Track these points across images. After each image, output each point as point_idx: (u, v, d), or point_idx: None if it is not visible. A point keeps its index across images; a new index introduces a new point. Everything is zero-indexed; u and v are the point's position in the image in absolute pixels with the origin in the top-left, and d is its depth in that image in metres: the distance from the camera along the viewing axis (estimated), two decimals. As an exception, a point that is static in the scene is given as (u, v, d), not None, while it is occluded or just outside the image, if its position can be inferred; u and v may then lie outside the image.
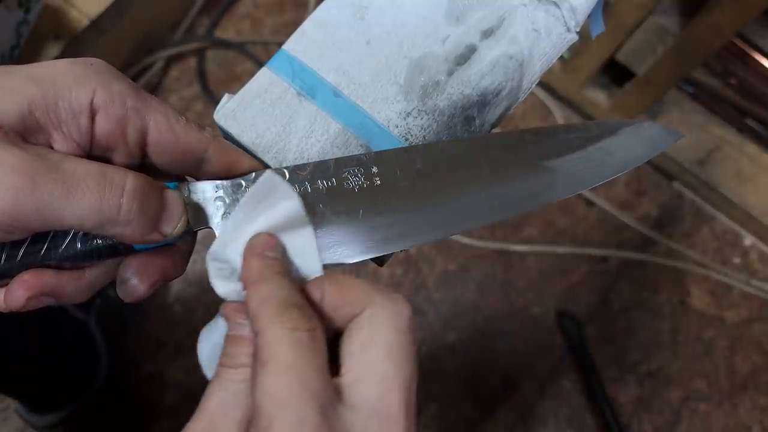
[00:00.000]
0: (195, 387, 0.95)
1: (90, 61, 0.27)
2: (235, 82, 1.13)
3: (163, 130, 0.27)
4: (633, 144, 0.33)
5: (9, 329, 0.72)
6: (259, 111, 0.35)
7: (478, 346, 1.04)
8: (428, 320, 1.04)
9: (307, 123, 0.35)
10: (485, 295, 1.06)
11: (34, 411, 0.89)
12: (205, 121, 1.09)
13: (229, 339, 0.25)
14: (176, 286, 1.01)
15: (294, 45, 0.36)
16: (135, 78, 1.09)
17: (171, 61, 1.13)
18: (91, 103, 0.26)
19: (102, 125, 0.26)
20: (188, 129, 0.28)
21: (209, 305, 0.99)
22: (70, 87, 0.25)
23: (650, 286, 1.10)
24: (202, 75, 1.13)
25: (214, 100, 1.11)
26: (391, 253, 0.31)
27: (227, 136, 0.35)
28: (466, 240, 1.08)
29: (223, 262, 0.26)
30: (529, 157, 0.31)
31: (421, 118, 0.35)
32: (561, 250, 1.09)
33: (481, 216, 0.30)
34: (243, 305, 0.25)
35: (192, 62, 1.14)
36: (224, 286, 0.26)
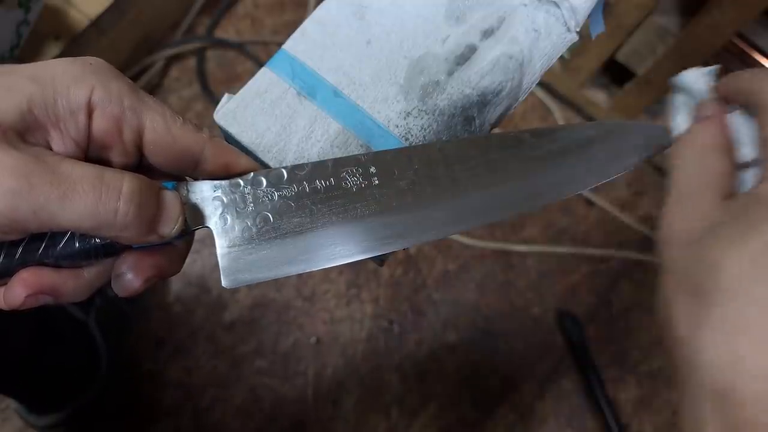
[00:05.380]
0: (195, 386, 0.95)
1: (89, 60, 0.27)
2: (235, 82, 1.13)
3: (160, 129, 0.27)
4: (633, 144, 0.33)
5: (8, 329, 0.71)
6: (259, 111, 0.35)
7: (478, 346, 1.03)
8: (428, 320, 1.04)
9: (307, 123, 0.35)
10: (485, 295, 1.06)
11: (34, 411, 0.89)
12: (205, 121, 1.09)
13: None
14: (176, 285, 1.01)
15: (294, 45, 0.36)
16: (135, 78, 1.09)
17: (171, 61, 1.13)
18: (89, 101, 0.26)
19: (99, 123, 0.26)
20: (185, 129, 0.28)
21: (209, 305, 0.99)
22: (69, 85, 0.25)
23: (650, 286, 1.10)
24: (202, 75, 1.13)
25: (214, 100, 1.11)
26: (391, 253, 0.31)
27: (227, 136, 0.35)
28: (466, 240, 1.08)
29: (690, 96, 0.31)
30: (529, 158, 0.31)
31: (421, 118, 0.35)
32: (561, 250, 1.09)
33: (481, 216, 0.30)
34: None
35: (192, 62, 1.14)
36: (683, 118, 0.32)
